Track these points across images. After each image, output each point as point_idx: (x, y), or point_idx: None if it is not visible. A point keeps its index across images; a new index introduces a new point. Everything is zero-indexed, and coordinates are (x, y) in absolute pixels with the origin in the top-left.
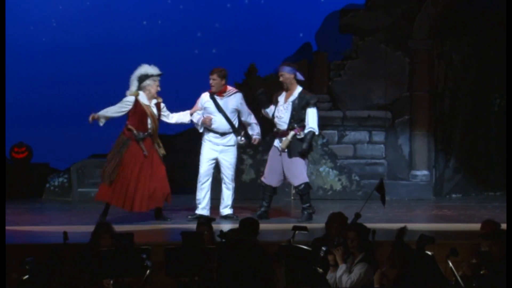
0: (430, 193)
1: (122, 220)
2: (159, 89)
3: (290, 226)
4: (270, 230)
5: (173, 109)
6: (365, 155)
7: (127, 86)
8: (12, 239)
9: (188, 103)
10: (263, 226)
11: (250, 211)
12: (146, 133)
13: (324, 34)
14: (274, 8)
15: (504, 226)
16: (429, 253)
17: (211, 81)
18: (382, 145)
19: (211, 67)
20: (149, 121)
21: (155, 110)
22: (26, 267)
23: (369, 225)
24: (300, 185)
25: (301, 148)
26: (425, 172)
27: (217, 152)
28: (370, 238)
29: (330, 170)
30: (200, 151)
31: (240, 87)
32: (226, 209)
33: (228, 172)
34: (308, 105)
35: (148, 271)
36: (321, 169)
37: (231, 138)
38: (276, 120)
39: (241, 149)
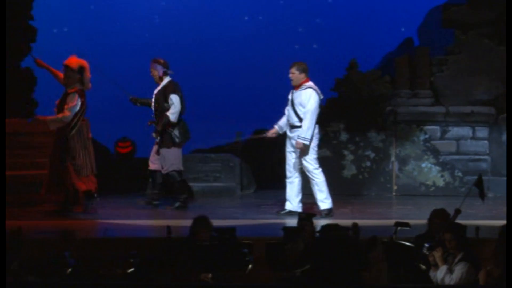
0: None
1: (224, 215)
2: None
3: (391, 222)
4: (372, 225)
5: (273, 105)
6: (468, 151)
7: (232, 80)
8: (116, 233)
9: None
10: (364, 222)
11: (349, 206)
12: None
13: (426, 29)
14: (375, 3)
15: None
16: None
17: (290, 75)
18: (486, 141)
19: (312, 62)
20: None
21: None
22: (130, 260)
23: (472, 222)
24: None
25: None
26: None
27: (292, 146)
28: (473, 235)
29: (433, 166)
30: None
31: (341, 83)
32: (318, 205)
33: (306, 167)
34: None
35: (249, 265)
36: (423, 165)
37: (300, 132)
38: None
39: (342, 145)
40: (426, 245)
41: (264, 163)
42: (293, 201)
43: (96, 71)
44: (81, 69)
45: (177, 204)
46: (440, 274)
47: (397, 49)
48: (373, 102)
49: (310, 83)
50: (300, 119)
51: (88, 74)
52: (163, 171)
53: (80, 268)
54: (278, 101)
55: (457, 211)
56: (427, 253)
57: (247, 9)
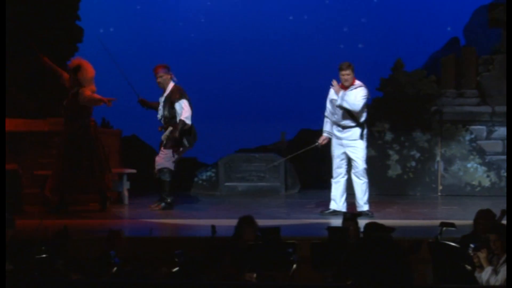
0: None
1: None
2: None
3: (436, 222)
4: (416, 226)
5: (317, 104)
6: None
7: (277, 80)
8: (161, 233)
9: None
10: (409, 222)
11: (394, 206)
12: None
13: (473, 28)
14: (421, 2)
15: None
16: None
17: (346, 76)
18: None
19: (357, 62)
20: None
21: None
22: (175, 259)
23: None
24: None
25: None
26: None
27: (343, 147)
28: None
29: (478, 166)
30: (331, 147)
31: (386, 83)
32: (360, 205)
33: (357, 167)
34: None
35: (294, 265)
36: (468, 165)
37: (354, 132)
38: None
39: (387, 144)
40: (472, 245)
41: (308, 163)
42: (338, 201)
43: (113, 66)
44: (75, 69)
45: (163, 204)
46: (485, 275)
47: (443, 49)
48: (418, 102)
49: (360, 82)
50: (354, 119)
51: (84, 74)
52: (157, 166)
53: (125, 267)
54: (323, 101)
55: (503, 212)
56: (472, 254)
57: (292, 9)
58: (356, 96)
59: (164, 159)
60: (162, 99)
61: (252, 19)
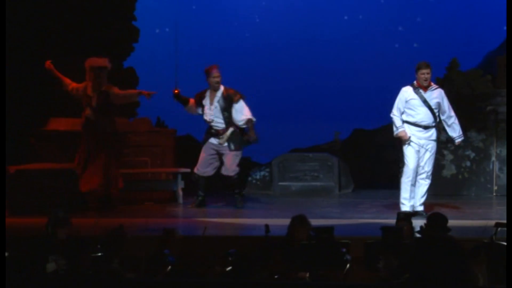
0: None
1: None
2: (98, 80)
3: (491, 223)
4: (471, 226)
5: (371, 104)
6: None
7: (331, 80)
8: (214, 231)
9: (392, 97)
10: (464, 222)
11: (448, 206)
12: None
13: None
14: (477, 1)
15: None
16: None
17: (427, 75)
18: None
19: (411, 62)
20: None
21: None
22: (229, 258)
23: None
24: None
25: None
26: None
27: (421, 147)
28: None
29: None
30: (404, 146)
31: (441, 82)
32: (416, 206)
33: (426, 168)
34: None
35: (347, 265)
36: None
37: (434, 132)
38: None
39: (442, 144)
40: None
41: (363, 163)
42: (415, 201)
43: (169, 66)
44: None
45: (239, 198)
46: None
47: (499, 48)
48: (473, 102)
49: (434, 84)
50: (435, 118)
51: None
52: (232, 172)
53: (180, 266)
54: (377, 101)
55: None
56: None
57: (347, 8)
58: (444, 99)
59: (236, 162)
60: (215, 100)
61: (306, 19)
